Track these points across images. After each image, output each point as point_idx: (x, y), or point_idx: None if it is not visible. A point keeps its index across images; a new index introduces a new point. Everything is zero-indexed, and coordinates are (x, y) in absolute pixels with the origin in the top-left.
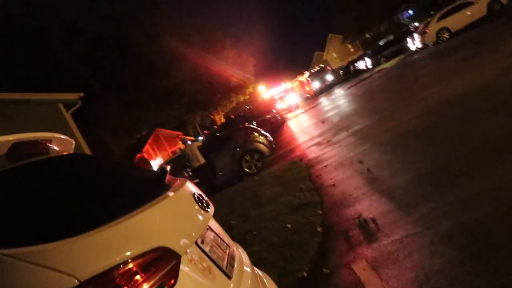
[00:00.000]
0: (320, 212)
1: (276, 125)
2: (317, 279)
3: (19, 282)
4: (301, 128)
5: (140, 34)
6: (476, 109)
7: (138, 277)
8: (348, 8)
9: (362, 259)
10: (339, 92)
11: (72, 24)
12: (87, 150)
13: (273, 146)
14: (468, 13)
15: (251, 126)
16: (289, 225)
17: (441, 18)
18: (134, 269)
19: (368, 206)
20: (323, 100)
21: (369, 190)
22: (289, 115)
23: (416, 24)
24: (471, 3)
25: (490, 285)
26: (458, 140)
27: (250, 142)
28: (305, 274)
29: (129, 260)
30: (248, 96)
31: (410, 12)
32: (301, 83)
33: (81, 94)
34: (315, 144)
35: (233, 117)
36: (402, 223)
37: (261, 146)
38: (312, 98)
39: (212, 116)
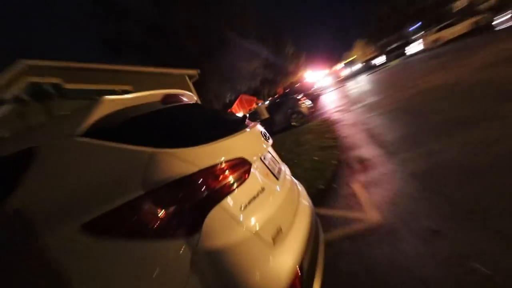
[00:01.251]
0: (337, 152)
1: (314, 98)
2: (329, 190)
3: (168, 170)
4: (330, 100)
5: (231, 30)
6: (448, 95)
7: (228, 171)
8: (372, 23)
9: (358, 181)
10: (360, 78)
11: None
12: None
13: (311, 110)
14: (457, 28)
15: (298, 97)
16: (316, 158)
17: (437, 31)
18: (226, 167)
19: (366, 151)
20: (348, 83)
21: (369, 141)
22: (324, 92)
23: (419, 34)
24: (461, 21)
25: (435, 205)
26: (435, 114)
27: (297, 106)
28: (322, 187)
29: (224, 162)
30: (298, 77)
31: (417, 24)
32: (336, 70)
33: (198, 71)
34: (338, 111)
35: (287, 90)
36: (387, 163)
37: (304, 109)
38: (342, 81)
39: (276, 89)
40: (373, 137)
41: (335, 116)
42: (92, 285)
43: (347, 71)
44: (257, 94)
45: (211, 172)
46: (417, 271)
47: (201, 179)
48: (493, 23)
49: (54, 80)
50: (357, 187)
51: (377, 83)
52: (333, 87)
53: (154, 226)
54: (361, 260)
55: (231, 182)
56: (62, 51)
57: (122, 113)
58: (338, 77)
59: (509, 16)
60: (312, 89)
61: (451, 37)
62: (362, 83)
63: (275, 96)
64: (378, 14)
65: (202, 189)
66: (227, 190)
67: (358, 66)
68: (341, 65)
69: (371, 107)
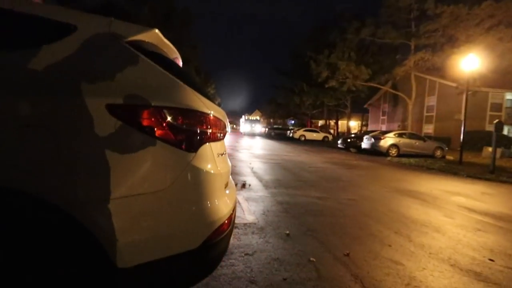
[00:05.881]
0: None
1: None
2: None
3: (191, 101)
4: (227, 140)
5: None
6: (305, 166)
7: (220, 127)
8: (271, 104)
9: (242, 195)
10: (255, 136)
11: None
12: None
13: None
14: (315, 135)
15: None
16: None
17: (304, 131)
18: (221, 124)
19: (249, 179)
20: (244, 134)
21: (251, 175)
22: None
23: (292, 128)
24: (318, 131)
25: (289, 221)
26: (297, 173)
27: None
28: None
29: (222, 120)
30: None
31: (293, 121)
32: (238, 121)
33: None
34: (231, 149)
35: None
36: (262, 190)
37: None
38: (239, 131)
39: None
40: (255, 173)
41: (228, 151)
42: (101, 155)
43: (246, 125)
44: None
45: (215, 121)
46: (272, 252)
47: (209, 120)
48: (337, 140)
49: None
50: (240, 199)
51: (264, 142)
52: (231, 132)
53: (167, 133)
54: (239, 240)
55: (218, 135)
56: None
57: (155, 47)
58: (237, 127)
59: (340, 140)
60: None
61: (310, 138)
62: (253, 139)
63: None
64: (277, 101)
65: (207, 127)
66: (215, 138)
67: (256, 125)
68: (243, 119)
69: (254, 154)
